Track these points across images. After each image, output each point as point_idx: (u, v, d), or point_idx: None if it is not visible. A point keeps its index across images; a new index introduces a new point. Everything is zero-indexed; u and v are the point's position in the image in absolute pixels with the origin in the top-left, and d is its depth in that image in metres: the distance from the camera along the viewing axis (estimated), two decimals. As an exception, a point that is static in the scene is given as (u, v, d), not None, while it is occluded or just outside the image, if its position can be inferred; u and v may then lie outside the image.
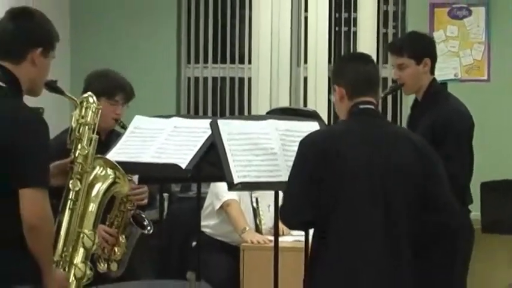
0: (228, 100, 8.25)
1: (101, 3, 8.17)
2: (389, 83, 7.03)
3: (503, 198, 5.91)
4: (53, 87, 3.98)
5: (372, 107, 3.81)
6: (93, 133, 4.06)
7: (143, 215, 4.79)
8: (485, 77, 7.56)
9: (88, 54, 7.78)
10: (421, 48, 4.74)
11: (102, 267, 4.63)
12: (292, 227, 4.13)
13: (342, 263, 3.66)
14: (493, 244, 5.92)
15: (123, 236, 4.69)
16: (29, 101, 4.09)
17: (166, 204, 5.49)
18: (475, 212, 4.86)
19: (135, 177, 4.74)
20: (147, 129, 4.54)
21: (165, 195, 5.63)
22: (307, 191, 3.69)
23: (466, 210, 4.58)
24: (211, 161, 4.20)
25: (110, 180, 4.15)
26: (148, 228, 4.79)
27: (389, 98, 7.19)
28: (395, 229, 3.67)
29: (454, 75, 7.43)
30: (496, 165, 6.68)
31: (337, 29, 8.01)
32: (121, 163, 4.33)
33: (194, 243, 5.90)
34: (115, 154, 4.41)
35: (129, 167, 4.42)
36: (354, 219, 3.66)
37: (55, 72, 4.12)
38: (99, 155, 4.16)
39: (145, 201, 4.79)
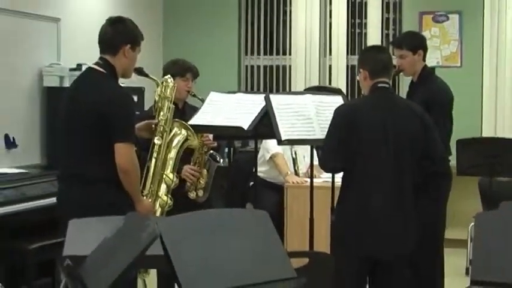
0: (275, 82, 8.25)
1: (186, 12, 8.20)
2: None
3: (472, 150, 5.88)
4: (140, 71, 4.05)
5: (387, 85, 3.77)
6: (170, 103, 4.13)
7: (215, 154, 4.81)
8: (459, 64, 7.55)
9: (175, 48, 7.76)
10: (416, 42, 4.66)
11: (193, 195, 4.65)
12: (327, 171, 4.10)
13: (362, 197, 3.66)
14: (465, 183, 5.89)
15: (205, 170, 4.73)
16: (133, 82, 4.15)
17: (231, 155, 5.48)
18: (452, 161, 4.81)
19: (211, 135, 4.78)
20: (219, 101, 4.53)
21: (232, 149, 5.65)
22: (338, 148, 3.68)
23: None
24: (265, 124, 4.18)
25: (183, 137, 4.22)
26: (221, 161, 4.84)
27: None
28: (402, 173, 3.65)
29: (437, 62, 7.37)
30: (467, 128, 6.64)
31: (352, 30, 7.98)
32: (201, 126, 4.38)
33: (251, 183, 6.00)
34: (197, 119, 4.41)
35: (206, 129, 4.47)
36: (371, 166, 3.64)
37: (150, 61, 4.17)
38: (176, 119, 4.23)
39: (215, 144, 4.80)
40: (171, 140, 4.15)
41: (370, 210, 3.62)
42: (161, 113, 4.09)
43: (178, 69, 4.80)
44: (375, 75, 3.75)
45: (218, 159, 4.81)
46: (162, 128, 4.07)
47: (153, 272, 4.80)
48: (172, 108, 4.13)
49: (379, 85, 3.74)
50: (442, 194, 4.50)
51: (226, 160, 5.06)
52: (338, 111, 3.75)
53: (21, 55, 5.94)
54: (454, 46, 7.57)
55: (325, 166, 3.86)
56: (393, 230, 3.62)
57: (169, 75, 4.30)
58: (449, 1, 7.56)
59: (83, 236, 2.72)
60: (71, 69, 6.08)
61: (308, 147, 4.96)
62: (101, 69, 3.71)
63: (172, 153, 4.14)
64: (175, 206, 4.07)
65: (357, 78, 3.92)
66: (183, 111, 4.75)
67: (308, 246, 4.34)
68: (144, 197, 3.89)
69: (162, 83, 4.17)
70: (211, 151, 4.80)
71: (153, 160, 4.03)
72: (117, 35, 3.74)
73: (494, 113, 7.51)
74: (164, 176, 4.06)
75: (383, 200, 3.62)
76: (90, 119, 3.61)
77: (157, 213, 3.95)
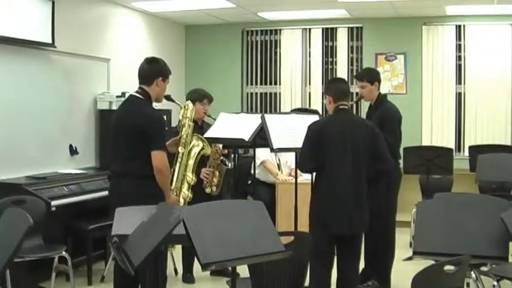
0: (268, 105, 8.18)
1: (202, 52, 8.14)
2: (355, 95, 6.96)
3: (415, 155, 5.86)
4: (168, 98, 4.00)
5: (346, 107, 3.76)
6: (190, 122, 4.11)
7: (225, 159, 4.79)
8: (404, 92, 7.47)
9: (194, 80, 7.73)
10: (373, 76, 4.60)
11: (208, 190, 4.65)
12: (303, 171, 4.07)
13: (329, 189, 3.64)
14: (409, 179, 5.86)
15: (217, 172, 4.71)
16: (164, 106, 4.12)
17: (236, 159, 5.45)
18: (401, 163, 4.78)
19: (220, 145, 4.76)
20: (227, 120, 4.52)
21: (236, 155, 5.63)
22: (311, 153, 3.66)
23: (397, 162, 4.52)
24: (261, 136, 4.18)
25: (200, 147, 4.20)
26: (229, 165, 4.81)
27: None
28: (358, 170, 3.64)
29: (388, 90, 7.30)
30: (411, 139, 6.60)
31: (326, 66, 7.90)
32: (214, 138, 4.37)
33: (250, 182, 5.97)
34: (210, 133, 4.41)
35: (217, 140, 4.46)
36: (335, 165, 3.63)
37: (176, 89, 4.15)
38: (195, 134, 4.19)
39: (226, 152, 4.79)
40: (191, 149, 4.13)
41: (335, 197, 3.61)
42: (183, 129, 4.08)
43: (198, 96, 4.79)
44: (337, 99, 3.73)
45: (227, 163, 4.80)
46: (184, 140, 4.05)
47: (178, 247, 4.78)
48: (191, 126, 4.11)
49: (340, 107, 3.73)
50: (392, 184, 4.45)
51: (232, 163, 5.02)
52: (310, 127, 3.72)
53: (81, 86, 5.95)
54: (400, 78, 7.53)
55: (303, 168, 3.84)
56: (351, 212, 3.61)
57: (189, 101, 4.28)
58: (397, 45, 7.53)
59: (126, 220, 2.71)
60: (117, 96, 6.10)
61: (288, 154, 4.93)
62: (140, 96, 3.69)
63: (192, 159, 4.11)
64: (195, 198, 4.04)
65: (324, 102, 3.90)
66: (201, 127, 4.74)
67: (293, 228, 4.31)
68: (172, 192, 3.85)
69: (184, 106, 4.14)
70: (222, 157, 4.78)
71: (178, 164, 4.00)
72: (152, 70, 3.71)
73: (431, 128, 7.53)
74: (186, 176, 4.04)
75: (345, 189, 3.60)
76: (133, 132, 3.58)
77: (181, 204, 3.93)
